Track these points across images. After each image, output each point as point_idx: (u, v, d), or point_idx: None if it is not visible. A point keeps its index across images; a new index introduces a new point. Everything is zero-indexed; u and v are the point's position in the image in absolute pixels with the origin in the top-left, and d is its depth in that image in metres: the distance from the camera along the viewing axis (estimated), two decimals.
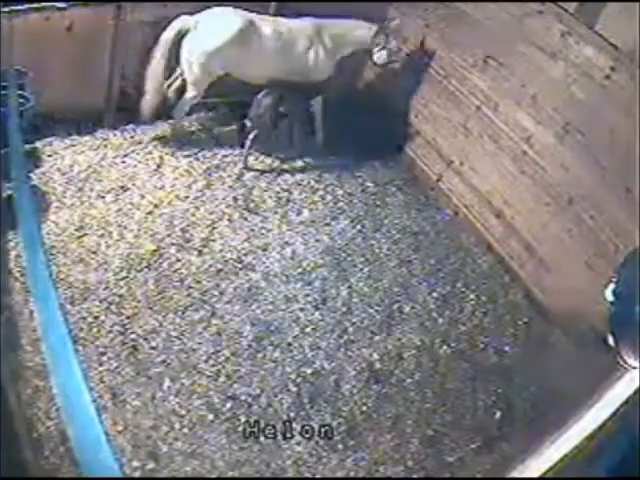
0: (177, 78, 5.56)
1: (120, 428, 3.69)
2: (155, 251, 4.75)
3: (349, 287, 4.91)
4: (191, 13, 5.29)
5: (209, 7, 5.35)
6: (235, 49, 5.34)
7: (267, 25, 5.50)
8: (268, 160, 5.81)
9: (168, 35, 5.25)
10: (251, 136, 5.59)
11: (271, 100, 5.57)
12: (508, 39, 5.40)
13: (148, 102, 5.45)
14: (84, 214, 4.85)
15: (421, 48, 6.03)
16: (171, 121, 5.68)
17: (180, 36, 5.27)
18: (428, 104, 6.07)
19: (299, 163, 5.86)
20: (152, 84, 5.39)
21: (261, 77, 5.60)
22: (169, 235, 4.89)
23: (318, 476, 3.80)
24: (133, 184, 5.19)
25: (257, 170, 5.70)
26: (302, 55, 5.66)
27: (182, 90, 5.54)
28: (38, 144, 5.20)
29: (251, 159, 5.72)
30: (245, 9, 5.42)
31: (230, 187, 5.42)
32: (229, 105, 6.01)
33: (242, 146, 5.69)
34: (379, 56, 5.91)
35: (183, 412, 3.88)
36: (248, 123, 5.62)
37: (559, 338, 4.78)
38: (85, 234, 4.72)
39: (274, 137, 5.75)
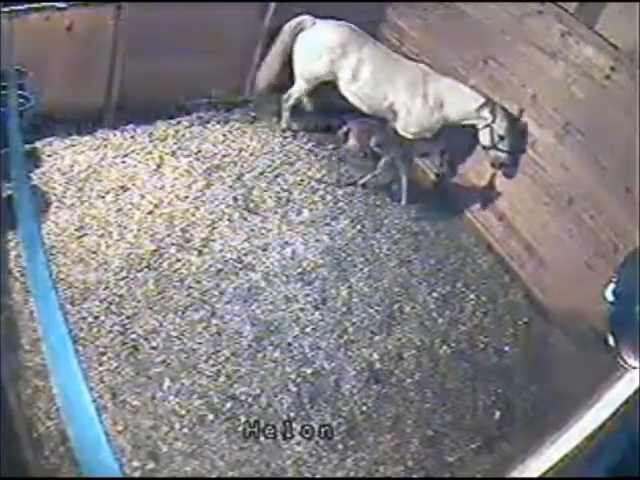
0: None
1: (120, 428, 3.69)
2: (155, 251, 4.74)
3: (349, 287, 4.91)
4: None
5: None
6: (329, 60, 5.62)
7: (371, 50, 5.63)
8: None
9: (288, 26, 5.74)
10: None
11: (359, 131, 5.53)
12: (508, 39, 5.40)
13: (262, 77, 5.95)
14: (84, 214, 4.85)
15: None
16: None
17: (297, 31, 5.75)
18: None
19: (299, 162, 5.86)
20: (268, 64, 5.88)
21: (352, 97, 5.71)
22: (169, 235, 4.89)
23: (318, 476, 3.80)
24: (133, 184, 5.19)
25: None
26: (397, 92, 5.61)
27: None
28: (38, 144, 5.19)
29: None
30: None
31: (230, 187, 5.42)
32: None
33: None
34: (483, 134, 5.33)
35: (183, 412, 3.88)
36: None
37: (559, 338, 4.79)
38: (85, 234, 4.71)
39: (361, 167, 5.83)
